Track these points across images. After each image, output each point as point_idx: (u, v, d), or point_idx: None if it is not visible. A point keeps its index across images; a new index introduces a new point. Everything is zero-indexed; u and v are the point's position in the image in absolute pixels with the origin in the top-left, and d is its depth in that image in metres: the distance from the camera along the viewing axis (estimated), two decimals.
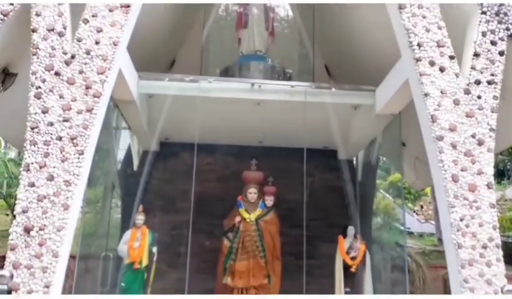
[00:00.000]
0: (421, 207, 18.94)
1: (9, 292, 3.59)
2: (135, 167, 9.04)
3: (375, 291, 7.38)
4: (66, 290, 5.33)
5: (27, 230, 4.62)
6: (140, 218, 6.92)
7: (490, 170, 5.26)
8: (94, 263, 7.91)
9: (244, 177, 7.57)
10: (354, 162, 9.52)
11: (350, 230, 7.12)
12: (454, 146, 5.27)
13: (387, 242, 11.66)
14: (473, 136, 5.32)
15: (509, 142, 8.13)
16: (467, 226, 5.05)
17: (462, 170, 5.21)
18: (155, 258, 6.78)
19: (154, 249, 6.78)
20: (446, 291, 10.32)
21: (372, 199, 9.33)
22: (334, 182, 9.23)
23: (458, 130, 5.33)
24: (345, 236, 7.16)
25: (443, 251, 12.42)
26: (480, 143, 5.31)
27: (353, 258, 6.94)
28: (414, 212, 16.98)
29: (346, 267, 6.93)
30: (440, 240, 13.64)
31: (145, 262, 6.69)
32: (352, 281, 6.93)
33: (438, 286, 10.23)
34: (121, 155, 9.05)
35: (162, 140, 9.12)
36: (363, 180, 9.25)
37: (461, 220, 5.06)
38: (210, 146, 8.85)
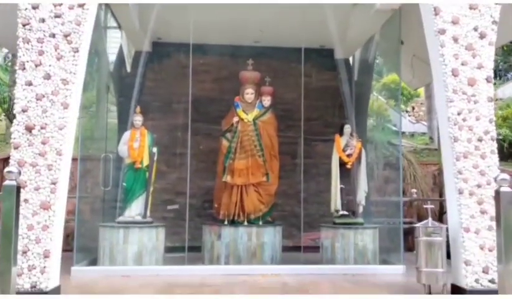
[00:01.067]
0: (413, 108, 19.09)
1: (18, 188, 3.66)
2: (128, 69, 8.87)
3: (369, 188, 7.63)
4: (69, 191, 5.46)
5: (29, 129, 4.63)
6: (138, 119, 6.94)
7: (490, 64, 5.25)
8: (94, 165, 8.06)
9: (241, 77, 7.50)
10: (351, 61, 9.39)
11: (347, 128, 7.20)
12: (455, 40, 5.20)
13: (380, 141, 11.90)
14: (475, 29, 5.23)
15: (509, 38, 8.03)
16: (464, 120, 5.12)
17: (462, 64, 5.19)
18: (155, 158, 6.88)
19: (154, 149, 6.87)
20: (436, 185, 10.76)
21: (368, 98, 9.34)
22: (330, 81, 9.19)
23: (460, 23, 5.22)
24: (341, 134, 7.25)
25: (434, 149, 12.75)
26: (482, 36, 5.23)
27: (349, 156, 7.08)
28: (406, 112, 17.12)
29: (342, 164, 7.09)
30: (432, 138, 13.93)
31: (146, 162, 6.81)
32: (348, 178, 7.13)
33: (428, 182, 10.61)
34: (113, 57, 8.85)
35: (154, 40, 8.88)
36: (359, 80, 9.20)
37: (459, 114, 5.12)
38: (204, 46, 8.64)
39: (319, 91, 9.03)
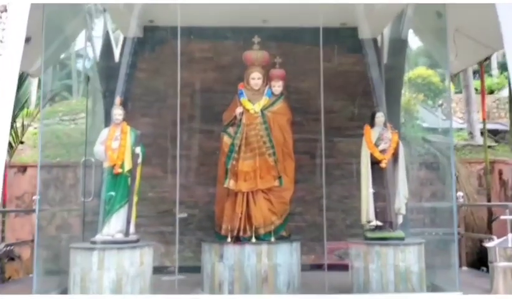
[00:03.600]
0: (441, 104, 17.58)
1: None
2: (116, 58, 7.56)
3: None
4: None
5: None
6: (118, 113, 5.59)
7: None
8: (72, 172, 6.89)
9: (245, 59, 6.11)
10: (379, 41, 7.89)
11: (379, 116, 5.74)
12: None
13: (412, 137, 10.40)
14: None
15: None
16: None
17: None
18: (139, 160, 5.52)
19: (138, 150, 5.50)
20: (482, 186, 9.20)
21: (401, 85, 7.87)
22: (354, 66, 7.72)
23: None
24: (372, 125, 5.79)
25: (478, 145, 11.17)
26: None
27: (382, 151, 5.60)
28: (439, 107, 15.58)
29: (373, 163, 5.62)
30: (471, 134, 12.34)
31: (128, 166, 5.45)
32: (382, 180, 5.65)
33: (473, 183, 9.05)
34: (98, 45, 7.59)
35: (146, 24, 7.56)
36: (389, 63, 7.71)
37: None
38: (204, 30, 7.41)
39: (341, 77, 7.63)
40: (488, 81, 16.57)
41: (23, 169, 9.35)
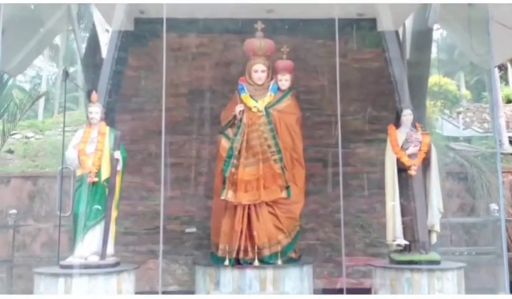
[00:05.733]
0: (458, 113, 16.73)
1: None
2: (103, 54, 6.72)
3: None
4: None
5: None
6: (95, 111, 4.73)
7: None
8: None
9: (247, 48, 5.25)
10: (400, 33, 6.96)
11: (407, 114, 4.80)
12: None
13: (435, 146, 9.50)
14: None
15: None
16: None
17: None
18: (119, 167, 4.63)
19: (117, 154, 4.61)
20: None
21: (426, 83, 6.96)
22: (372, 62, 6.84)
23: None
24: (398, 125, 4.85)
25: (509, 153, 10.15)
26: None
27: (411, 156, 4.65)
28: (457, 115, 14.71)
29: (401, 170, 4.67)
30: (500, 141, 11.31)
31: (105, 174, 4.57)
32: (409, 191, 4.68)
33: (506, 195, 8.03)
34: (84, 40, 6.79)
35: (136, 15, 6.70)
36: (412, 58, 6.79)
37: None
38: (202, 22, 6.55)
39: (358, 75, 6.74)
40: (505, 90, 15.75)
41: (6, 180, 8.51)
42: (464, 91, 19.86)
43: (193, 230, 6.61)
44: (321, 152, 6.44)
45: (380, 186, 6.38)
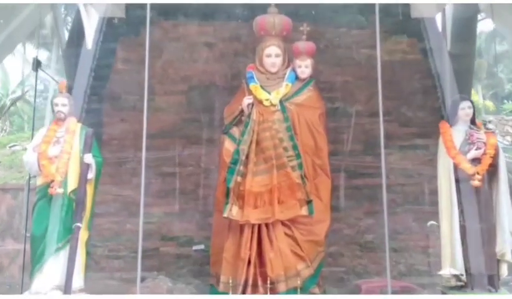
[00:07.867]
0: (490, 121, 15.75)
1: None
2: (89, 45, 5.74)
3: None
4: None
5: None
6: (61, 102, 3.68)
7: None
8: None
9: (257, 27, 4.22)
10: (439, 21, 5.93)
11: (466, 108, 3.72)
12: None
13: None
14: None
15: None
16: None
17: None
18: (92, 175, 3.57)
19: (89, 158, 3.56)
20: None
21: (471, 77, 5.91)
22: (406, 54, 5.87)
23: None
24: (453, 122, 3.76)
25: None
26: None
27: (474, 161, 3.55)
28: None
29: (459, 180, 3.56)
30: None
31: (72, 184, 3.51)
32: (471, 207, 3.56)
33: None
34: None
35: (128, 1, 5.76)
36: (454, 50, 5.73)
37: None
38: (205, 7, 5.65)
39: (389, 69, 5.66)
40: None
41: None
42: (485, 102, 19.10)
43: (201, 247, 5.66)
44: (344, 160, 5.49)
45: (419, 201, 5.40)
